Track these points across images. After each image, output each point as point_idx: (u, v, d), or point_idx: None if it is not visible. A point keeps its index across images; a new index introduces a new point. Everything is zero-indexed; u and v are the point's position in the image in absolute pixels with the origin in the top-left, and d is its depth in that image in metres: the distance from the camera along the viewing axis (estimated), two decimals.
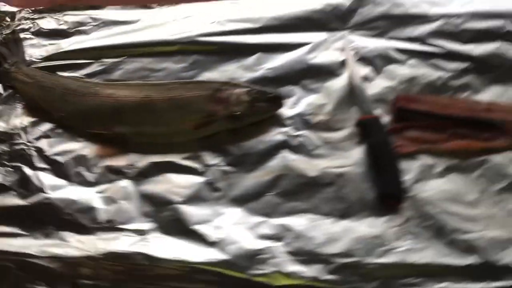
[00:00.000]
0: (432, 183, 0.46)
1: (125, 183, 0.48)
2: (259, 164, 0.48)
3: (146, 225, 0.46)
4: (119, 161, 0.49)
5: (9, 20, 0.61)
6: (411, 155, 0.47)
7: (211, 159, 0.49)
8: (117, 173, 0.49)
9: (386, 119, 0.49)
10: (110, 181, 0.48)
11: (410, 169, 0.47)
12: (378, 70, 0.52)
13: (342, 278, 0.42)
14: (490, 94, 0.50)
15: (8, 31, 0.60)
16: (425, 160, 0.47)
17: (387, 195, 0.45)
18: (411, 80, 0.51)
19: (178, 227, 0.45)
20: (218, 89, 0.48)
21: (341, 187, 0.46)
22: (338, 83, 0.52)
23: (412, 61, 0.52)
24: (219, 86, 0.49)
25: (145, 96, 0.48)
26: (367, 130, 0.48)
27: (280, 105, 0.50)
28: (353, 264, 0.42)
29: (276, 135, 0.49)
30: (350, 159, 0.48)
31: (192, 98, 0.48)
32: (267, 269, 0.42)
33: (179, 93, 0.48)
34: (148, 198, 0.47)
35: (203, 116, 0.47)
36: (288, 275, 0.42)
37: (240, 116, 0.47)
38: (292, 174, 0.47)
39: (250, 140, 0.49)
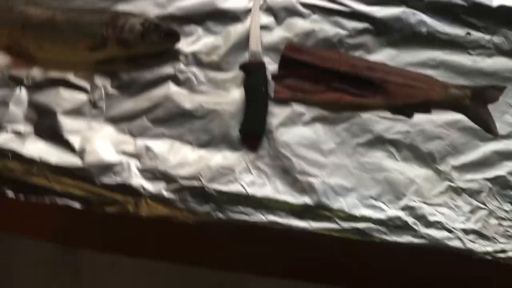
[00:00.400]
0: (296, 129, 0.55)
1: (20, 91, 0.62)
2: (142, 91, 0.60)
3: (25, 128, 0.59)
4: (21, 72, 0.63)
5: None
6: (285, 102, 0.57)
7: (100, 81, 0.61)
8: (16, 81, 0.62)
9: (273, 66, 0.60)
10: (9, 87, 0.62)
11: (279, 114, 0.56)
12: (279, 21, 0.62)
13: (179, 198, 0.52)
14: (382, 56, 0.59)
15: None
16: (296, 108, 0.57)
17: (247, 132, 0.55)
18: (308, 34, 0.61)
19: (52, 134, 0.58)
20: (115, 17, 0.61)
21: (209, 121, 0.57)
22: (239, 28, 0.62)
23: (315, 17, 0.62)
24: (117, 14, 0.61)
25: (50, 16, 0.62)
26: (249, 74, 0.59)
27: (174, 42, 0.61)
28: (194, 187, 0.53)
29: (167, 68, 0.61)
30: (227, 98, 0.58)
31: (89, 21, 0.60)
32: (113, 180, 0.54)
33: (79, 16, 0.61)
34: (35, 107, 0.60)
35: (97, 39, 0.60)
36: (131, 187, 0.53)
37: (131, 43, 0.60)
38: (170, 104, 0.58)
39: (142, 69, 0.61)
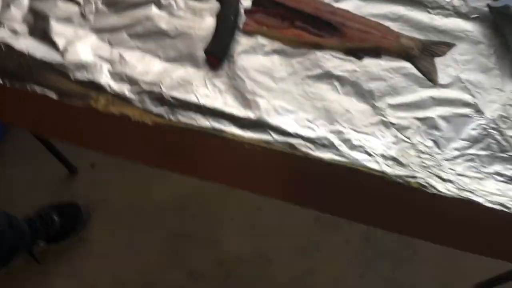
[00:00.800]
0: (255, 58, 0.71)
1: None
2: (127, 10, 0.78)
3: (21, 28, 0.78)
4: None
5: None
6: (251, 33, 0.74)
7: None
8: None
9: (248, 3, 0.77)
10: None
11: (244, 43, 0.73)
12: None
13: (139, 98, 0.70)
14: (349, 6, 0.75)
15: None
16: (260, 40, 0.73)
17: (210, 53, 0.72)
18: None
19: (42, 35, 0.77)
20: None
21: (180, 41, 0.74)
22: None
23: None
24: None
25: None
26: (223, 4, 0.76)
27: None
28: (153, 91, 0.70)
29: None
30: (200, 24, 0.75)
31: None
32: (85, 77, 0.72)
33: None
34: (33, 12, 0.80)
35: None
36: (99, 85, 0.71)
37: None
38: (149, 23, 0.76)
39: None
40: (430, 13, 0.71)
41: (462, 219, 0.59)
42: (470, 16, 0.69)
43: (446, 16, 0.71)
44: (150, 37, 0.74)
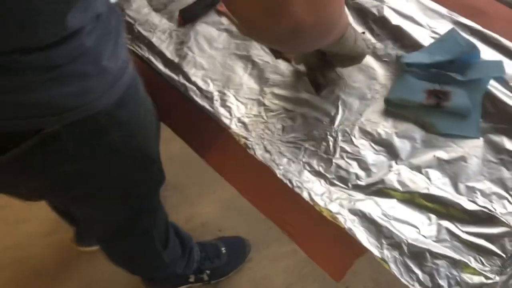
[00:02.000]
0: (209, 28, 0.91)
1: None
2: None
3: None
4: None
5: None
6: (220, 14, 0.95)
7: None
8: None
9: None
10: None
11: (210, 17, 0.94)
12: None
13: None
14: None
15: None
16: (223, 20, 0.93)
17: (181, 14, 0.94)
18: None
19: None
20: None
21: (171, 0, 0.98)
22: None
23: None
24: None
25: None
26: None
27: None
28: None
29: None
30: None
31: None
32: None
33: None
34: None
35: None
36: None
37: None
38: None
39: None
40: None
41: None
42: (382, 58, 0.81)
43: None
44: None
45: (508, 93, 0.74)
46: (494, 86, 0.75)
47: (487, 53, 0.78)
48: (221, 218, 1.55)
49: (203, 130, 0.82)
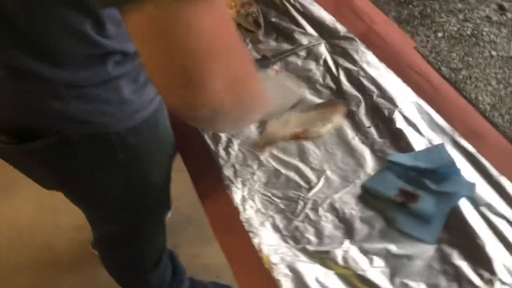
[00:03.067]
0: None
1: None
2: None
3: None
4: None
5: None
6: None
7: None
8: None
9: None
10: None
11: None
12: None
13: None
14: None
15: None
16: None
17: None
18: None
19: None
20: None
21: None
22: None
23: None
24: None
25: None
26: None
27: None
28: None
29: None
30: None
31: None
32: None
33: None
34: None
35: None
36: None
37: None
38: None
39: None
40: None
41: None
42: (376, 153, 0.90)
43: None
44: None
45: (475, 214, 0.78)
46: (465, 204, 0.79)
47: (470, 174, 0.83)
48: (224, 265, 1.61)
49: (199, 157, 0.92)
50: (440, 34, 2.66)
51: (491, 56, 2.53)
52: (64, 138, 0.70)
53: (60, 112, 0.67)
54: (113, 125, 0.71)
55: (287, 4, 1.24)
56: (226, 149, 0.91)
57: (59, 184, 0.87)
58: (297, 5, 1.23)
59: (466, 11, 2.83)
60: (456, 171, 0.81)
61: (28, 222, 1.70)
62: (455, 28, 2.71)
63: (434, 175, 0.81)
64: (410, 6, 2.88)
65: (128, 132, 0.73)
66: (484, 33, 2.68)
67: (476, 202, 0.79)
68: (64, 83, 0.64)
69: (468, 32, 2.68)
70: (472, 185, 0.80)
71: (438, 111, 0.94)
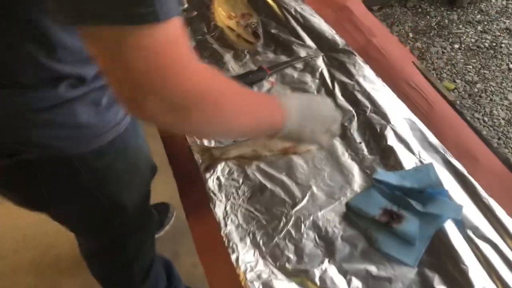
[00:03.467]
0: None
1: None
2: None
3: None
4: None
5: None
6: None
7: None
8: None
9: None
10: None
11: None
12: None
13: None
14: None
15: None
16: None
17: None
18: None
19: None
20: None
21: None
22: None
23: None
24: None
25: None
26: None
27: None
28: None
29: None
30: None
31: None
32: None
33: None
34: None
35: None
36: None
37: None
38: None
39: None
40: None
41: None
42: (365, 170, 0.88)
43: None
44: None
45: (460, 237, 0.76)
46: (451, 227, 0.77)
47: (459, 196, 0.81)
48: None
49: (187, 170, 0.92)
50: (456, 46, 2.62)
51: (509, 69, 2.47)
52: (22, 161, 0.68)
53: (14, 135, 0.66)
54: (72, 149, 0.70)
55: (288, 15, 1.23)
56: (214, 163, 0.90)
57: (27, 204, 0.84)
58: (298, 16, 1.23)
59: (485, 23, 2.78)
60: (443, 192, 0.79)
61: (32, 225, 1.73)
62: (473, 40, 2.66)
63: (421, 195, 0.79)
64: (428, 16, 2.84)
65: (92, 155, 0.72)
66: (503, 45, 2.63)
67: (462, 225, 0.77)
68: (18, 106, 0.63)
69: (486, 44, 2.62)
70: (459, 207, 0.78)
71: (431, 128, 0.92)
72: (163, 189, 1.27)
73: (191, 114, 0.51)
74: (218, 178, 0.87)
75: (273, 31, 1.21)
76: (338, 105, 0.99)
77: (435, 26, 2.77)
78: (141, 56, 0.44)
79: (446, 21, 2.80)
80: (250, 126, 0.63)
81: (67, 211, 0.84)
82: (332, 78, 1.06)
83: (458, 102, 2.22)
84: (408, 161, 0.87)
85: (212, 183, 0.86)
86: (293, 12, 1.26)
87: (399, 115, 0.95)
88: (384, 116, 0.96)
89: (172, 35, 0.46)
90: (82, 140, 0.69)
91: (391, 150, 0.90)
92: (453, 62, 2.51)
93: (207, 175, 0.88)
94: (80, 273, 1.61)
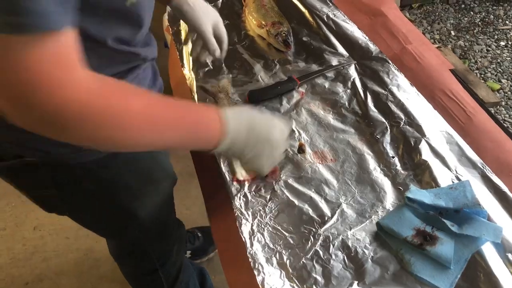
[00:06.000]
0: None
1: None
2: None
3: None
4: None
5: None
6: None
7: None
8: None
9: None
10: None
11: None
12: None
13: None
14: None
15: None
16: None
17: None
18: None
19: None
20: None
21: None
22: None
23: None
24: None
25: None
26: None
27: None
28: None
29: None
30: None
31: None
32: None
33: None
34: None
35: None
36: None
37: None
38: None
39: None
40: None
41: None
42: (397, 186, 0.84)
43: None
44: None
45: (500, 262, 0.71)
46: (489, 250, 0.73)
47: (499, 216, 0.76)
48: None
49: (214, 186, 0.90)
50: (502, 43, 2.49)
51: None
52: (28, 163, 0.69)
53: (21, 140, 0.67)
54: (70, 157, 0.70)
55: (320, 22, 1.20)
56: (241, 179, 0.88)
57: (41, 204, 0.85)
58: (330, 23, 1.19)
59: None
60: (481, 212, 0.74)
61: (73, 228, 1.76)
62: None
63: (457, 215, 0.75)
64: (471, 12, 2.73)
65: (93, 166, 0.72)
66: None
67: (502, 248, 0.72)
68: None
69: None
70: (498, 229, 0.72)
71: (469, 142, 0.86)
72: None
73: (69, 131, 0.50)
74: (245, 195, 0.85)
75: (304, 38, 1.18)
76: (370, 117, 0.95)
77: (479, 23, 2.65)
78: (13, 68, 0.43)
79: (492, 17, 2.68)
80: (159, 142, 0.59)
81: (81, 214, 0.85)
82: (365, 87, 1.02)
83: (503, 103, 2.11)
84: (443, 177, 0.83)
85: (239, 201, 0.84)
86: (325, 19, 1.22)
87: (435, 128, 0.91)
88: (418, 128, 0.91)
89: (51, 49, 0.44)
90: (78, 149, 0.67)
91: (425, 165, 0.85)
92: (498, 60, 2.39)
93: (234, 191, 0.86)
94: (117, 278, 1.64)
